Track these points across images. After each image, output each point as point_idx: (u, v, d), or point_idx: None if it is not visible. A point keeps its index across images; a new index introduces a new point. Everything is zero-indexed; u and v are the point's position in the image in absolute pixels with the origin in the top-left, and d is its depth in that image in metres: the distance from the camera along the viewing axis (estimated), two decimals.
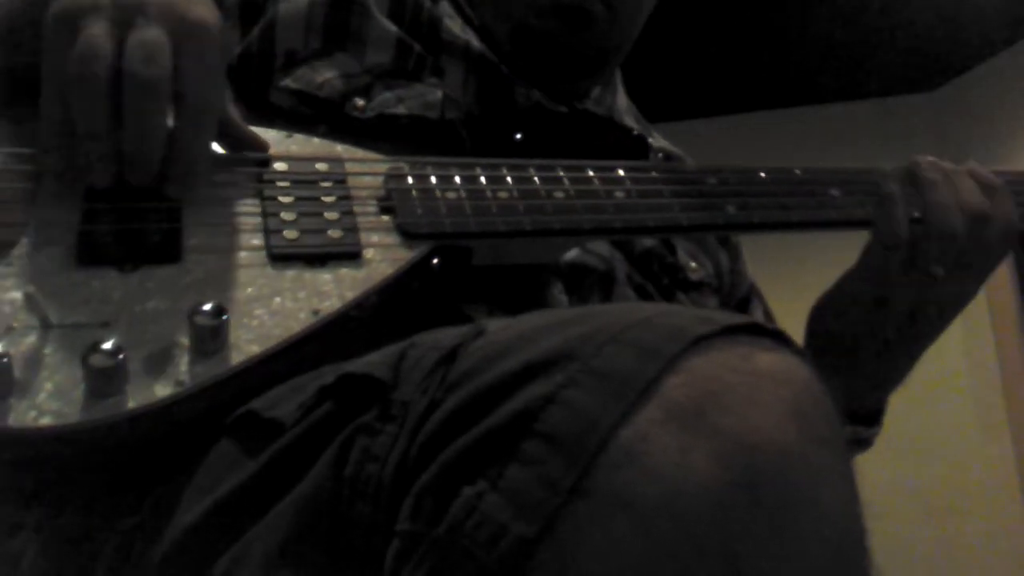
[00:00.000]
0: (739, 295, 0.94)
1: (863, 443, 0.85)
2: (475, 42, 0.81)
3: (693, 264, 0.85)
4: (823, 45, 3.36)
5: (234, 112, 0.63)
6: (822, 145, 3.30)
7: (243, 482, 0.47)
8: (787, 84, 3.64)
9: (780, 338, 0.41)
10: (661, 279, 0.81)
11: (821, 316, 0.82)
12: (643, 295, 0.79)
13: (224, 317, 0.51)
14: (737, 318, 0.41)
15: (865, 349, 0.80)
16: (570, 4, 0.80)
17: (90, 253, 0.54)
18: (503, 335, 0.44)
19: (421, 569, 0.37)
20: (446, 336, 0.47)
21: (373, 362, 0.48)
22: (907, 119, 3.69)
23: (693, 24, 3.20)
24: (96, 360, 0.47)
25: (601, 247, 0.78)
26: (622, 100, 0.94)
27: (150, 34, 0.54)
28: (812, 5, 3.12)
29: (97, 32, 0.53)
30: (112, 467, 0.51)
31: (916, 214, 0.74)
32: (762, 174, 0.75)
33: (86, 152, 0.55)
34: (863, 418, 0.85)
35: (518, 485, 0.36)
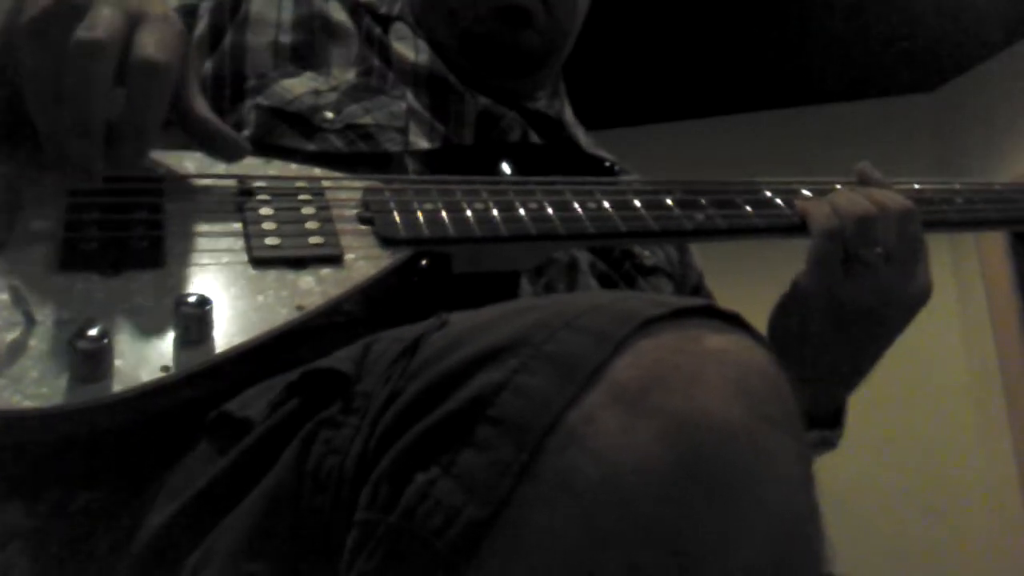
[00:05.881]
0: (691, 283, 0.98)
1: (827, 444, 0.87)
2: (423, 61, 0.86)
3: (646, 252, 0.89)
4: (824, 45, 3.36)
5: (202, 104, 0.61)
6: (822, 145, 3.29)
7: (212, 480, 0.47)
8: (787, 84, 3.64)
9: (733, 320, 0.42)
10: (623, 264, 0.85)
11: (782, 315, 0.83)
12: (606, 282, 0.83)
13: (208, 307, 0.51)
14: (690, 301, 0.41)
15: (826, 346, 0.81)
16: (508, 4, 0.86)
17: (73, 259, 0.55)
18: (463, 324, 0.45)
19: (375, 556, 0.37)
20: (410, 329, 0.47)
21: (338, 357, 0.48)
22: (907, 119, 3.69)
23: (693, 24, 3.20)
24: (83, 344, 0.47)
25: None
26: (569, 113, 0.99)
27: (102, 12, 0.53)
28: (813, 5, 3.12)
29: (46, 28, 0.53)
30: (91, 459, 0.51)
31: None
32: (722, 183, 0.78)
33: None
34: (825, 420, 0.87)
35: (471, 470, 0.36)
